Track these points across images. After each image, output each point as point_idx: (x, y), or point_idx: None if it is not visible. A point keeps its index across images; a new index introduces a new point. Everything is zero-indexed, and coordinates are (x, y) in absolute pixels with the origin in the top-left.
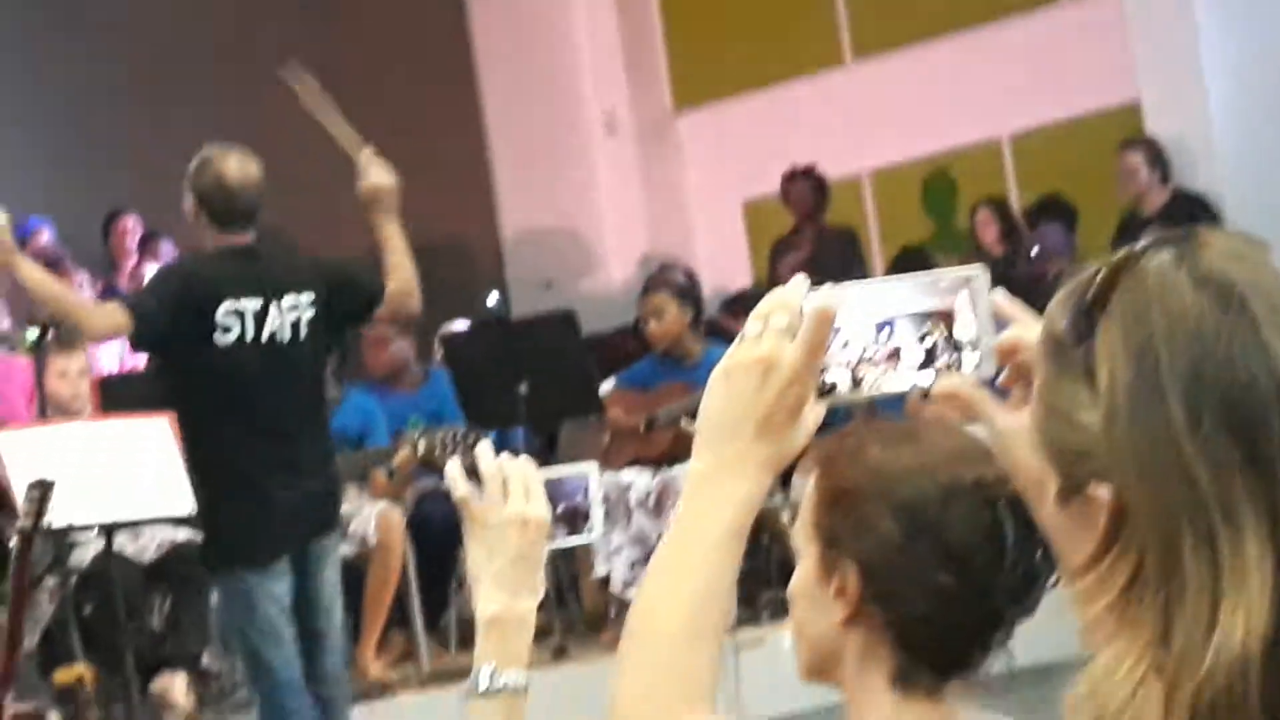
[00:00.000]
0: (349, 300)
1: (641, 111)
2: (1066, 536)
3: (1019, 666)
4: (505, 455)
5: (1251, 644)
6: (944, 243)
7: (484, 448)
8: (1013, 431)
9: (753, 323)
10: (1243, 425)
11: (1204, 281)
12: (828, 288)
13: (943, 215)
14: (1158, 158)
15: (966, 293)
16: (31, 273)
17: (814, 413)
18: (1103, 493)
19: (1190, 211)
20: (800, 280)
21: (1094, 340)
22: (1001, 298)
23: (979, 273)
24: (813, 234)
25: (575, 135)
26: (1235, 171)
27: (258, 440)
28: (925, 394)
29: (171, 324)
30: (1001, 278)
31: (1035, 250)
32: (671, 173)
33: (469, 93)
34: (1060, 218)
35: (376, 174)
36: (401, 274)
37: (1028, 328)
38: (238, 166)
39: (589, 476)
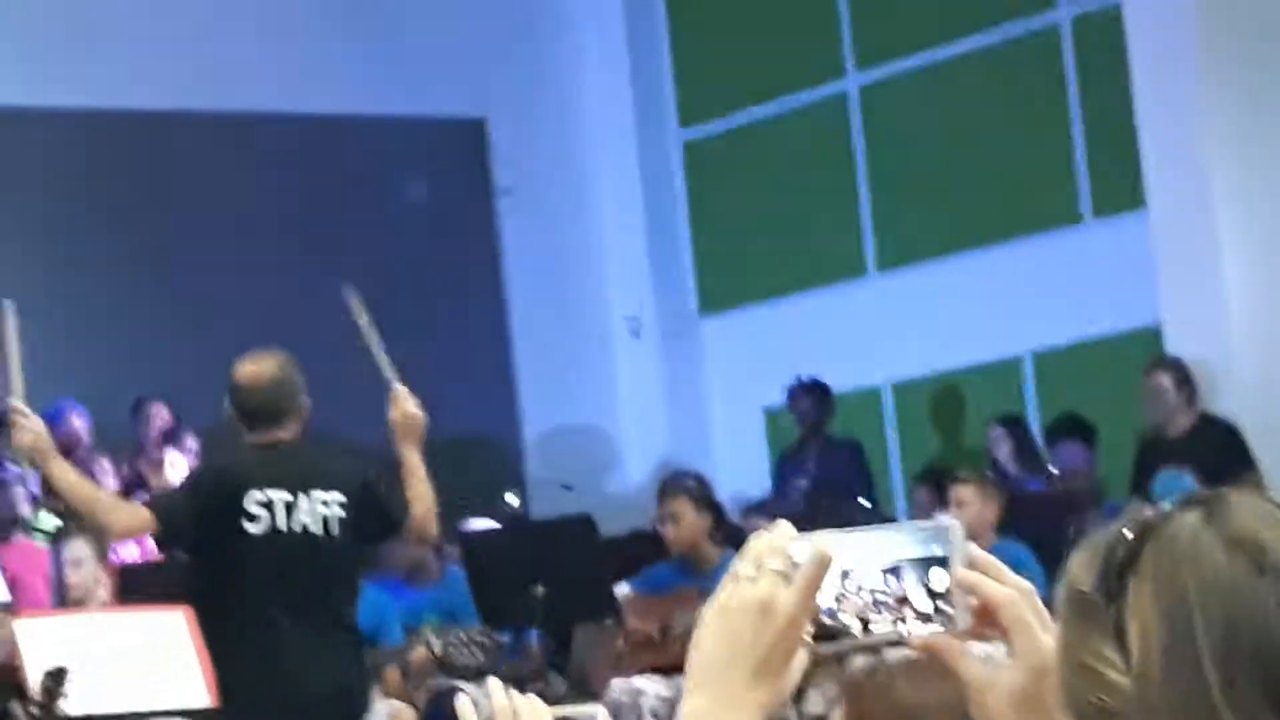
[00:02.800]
0: (373, 522)
1: (665, 315)
2: None
3: None
4: (513, 692)
5: None
6: (959, 459)
7: (494, 684)
8: (984, 683)
9: (744, 564)
10: (1277, 686)
11: (1235, 544)
12: (825, 534)
13: (953, 431)
14: (1185, 379)
15: (941, 544)
16: (65, 475)
17: (804, 656)
18: None
19: (1215, 436)
20: (785, 525)
21: (1124, 600)
22: (975, 549)
23: (954, 524)
24: (817, 447)
25: (598, 337)
26: (1257, 396)
27: (286, 630)
28: (900, 642)
29: (197, 519)
30: (1016, 495)
31: (1054, 469)
32: (693, 377)
33: (494, 291)
34: (1079, 436)
35: (407, 407)
36: (423, 504)
37: (997, 580)
38: (250, 369)
39: (597, 717)
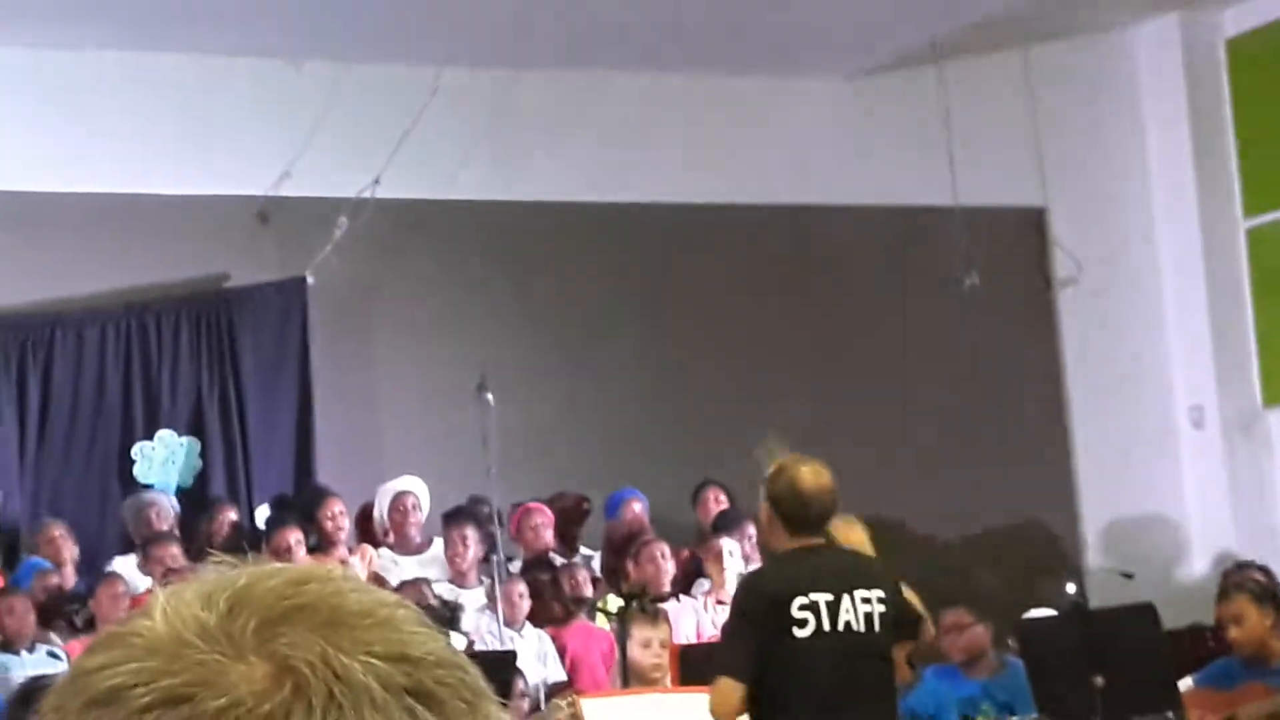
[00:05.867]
0: (901, 618)
1: (1229, 406)
2: None
3: None
4: None
5: None
6: None
7: None
8: None
9: None
10: None
11: None
12: None
13: None
14: None
15: None
16: None
17: None
18: None
19: None
20: None
21: None
22: None
23: None
24: None
25: (1160, 428)
26: None
27: None
28: None
29: (758, 645)
30: None
31: None
32: (1259, 469)
33: (1053, 380)
34: None
35: None
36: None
37: None
38: (812, 475)
39: None
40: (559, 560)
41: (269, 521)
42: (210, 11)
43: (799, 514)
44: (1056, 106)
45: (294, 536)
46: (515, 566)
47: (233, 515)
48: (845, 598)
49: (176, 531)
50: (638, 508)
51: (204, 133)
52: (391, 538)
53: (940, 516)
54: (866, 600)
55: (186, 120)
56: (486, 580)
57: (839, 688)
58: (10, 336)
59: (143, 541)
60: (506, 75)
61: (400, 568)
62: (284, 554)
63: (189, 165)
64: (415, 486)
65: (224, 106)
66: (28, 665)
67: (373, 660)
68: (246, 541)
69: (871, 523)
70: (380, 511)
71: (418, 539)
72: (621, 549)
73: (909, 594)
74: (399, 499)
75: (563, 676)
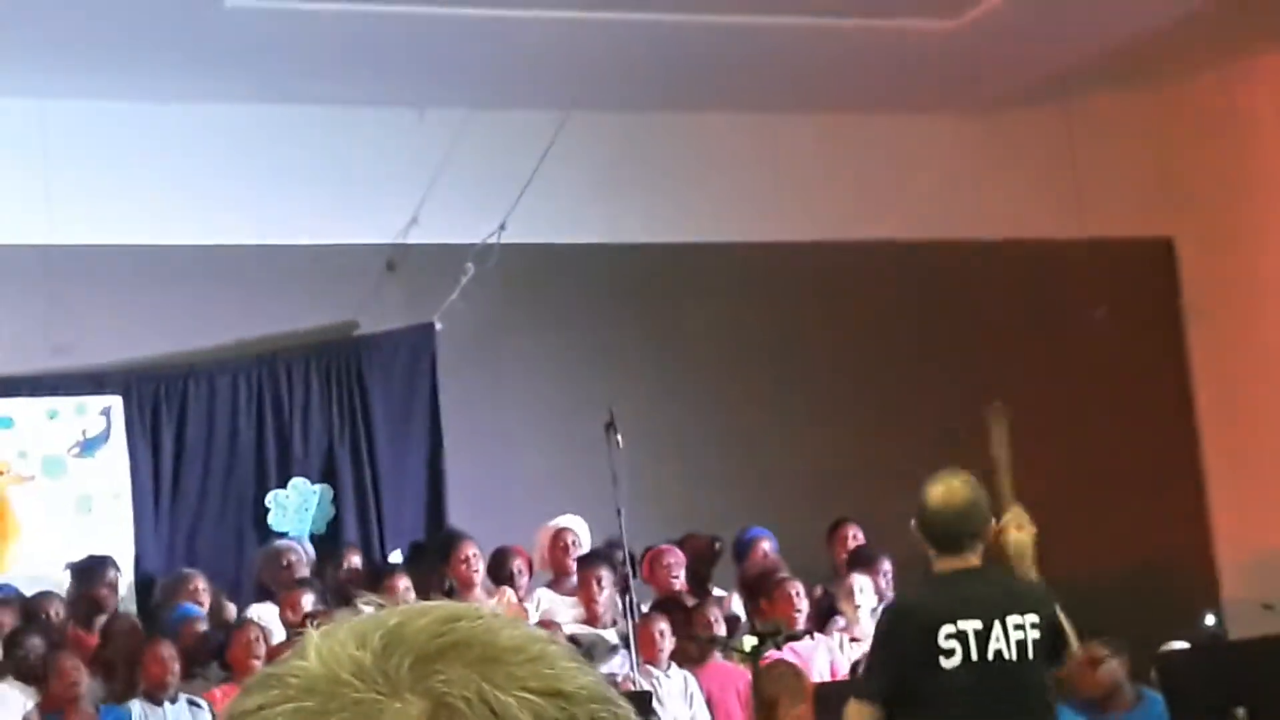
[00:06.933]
0: (1055, 645)
1: None
2: None
3: None
4: None
5: None
6: None
7: None
8: None
9: None
10: None
11: None
12: None
13: None
14: None
15: None
16: None
17: None
18: None
19: None
20: None
21: None
22: None
23: None
24: None
25: None
26: None
27: None
28: None
29: (898, 673)
30: None
31: None
32: None
33: (1184, 411)
34: None
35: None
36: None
37: None
38: (941, 492)
39: None
40: (690, 601)
41: (386, 567)
42: (334, 63)
43: (933, 533)
44: (1180, 133)
45: (402, 583)
46: (646, 608)
47: (357, 559)
48: (996, 625)
49: (313, 579)
50: (767, 546)
51: (331, 182)
52: (551, 575)
53: (1071, 550)
54: (1020, 627)
55: (313, 170)
56: (620, 621)
57: (989, 718)
58: (144, 388)
59: (278, 588)
60: (629, 118)
61: (554, 609)
62: (393, 600)
63: (317, 215)
64: (575, 524)
65: (349, 156)
66: (169, 715)
67: (528, 695)
68: (365, 587)
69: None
70: (540, 550)
71: (574, 580)
72: (756, 588)
73: (1064, 619)
74: (559, 535)
75: (708, 717)
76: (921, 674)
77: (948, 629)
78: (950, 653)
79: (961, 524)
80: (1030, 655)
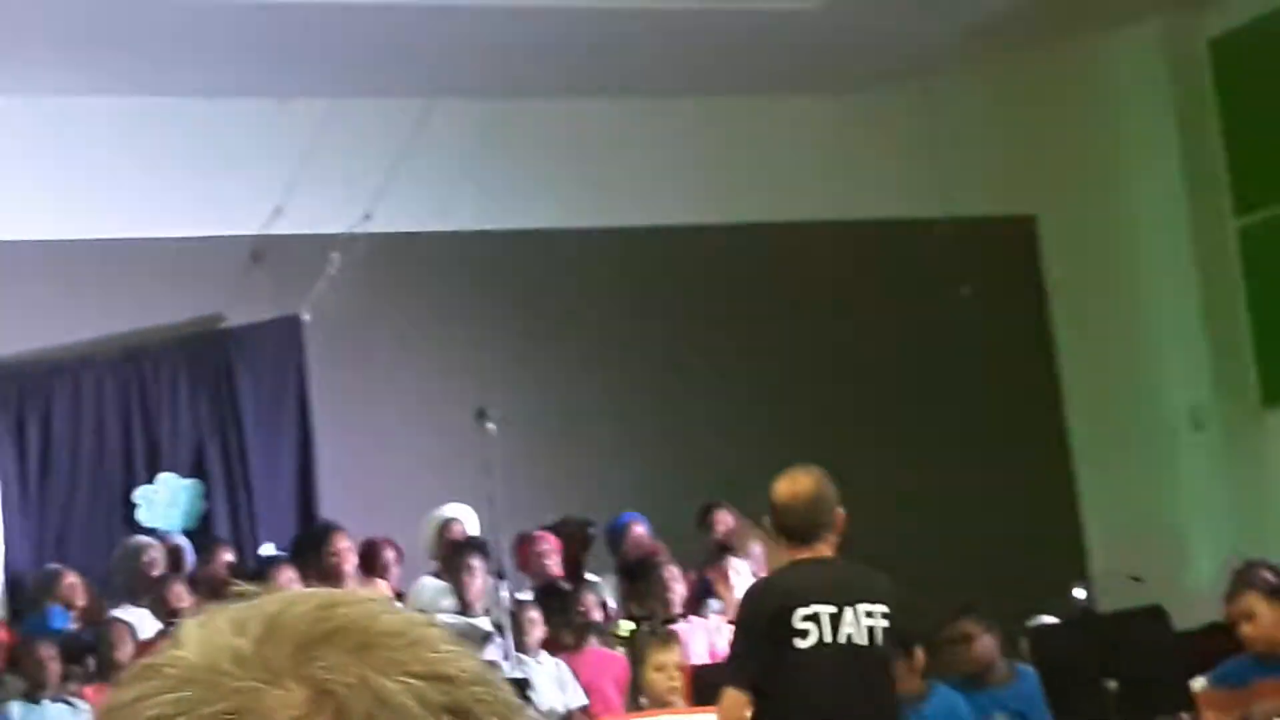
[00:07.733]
0: (900, 636)
1: (1227, 408)
2: None
3: None
4: None
5: None
6: None
7: None
8: None
9: None
10: None
11: None
12: None
13: None
14: None
15: None
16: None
17: None
18: None
19: None
20: None
21: None
22: None
23: None
24: None
25: (1159, 430)
26: None
27: None
28: None
29: (760, 652)
30: None
31: None
32: (1259, 469)
33: (1049, 386)
34: None
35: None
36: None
37: None
38: (788, 486)
39: None
40: (566, 587)
41: (266, 560)
42: (192, 55)
43: (784, 526)
44: (1043, 114)
45: (286, 575)
46: (521, 594)
47: (229, 556)
48: (848, 610)
49: (171, 573)
50: (639, 530)
51: (194, 174)
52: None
53: (940, 526)
54: (870, 614)
55: (174, 163)
56: (493, 609)
57: (840, 699)
58: (7, 386)
59: (138, 586)
60: (494, 105)
61: (436, 598)
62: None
63: (179, 208)
64: (462, 513)
65: (212, 147)
66: (49, 714)
67: (410, 680)
68: (246, 581)
69: (873, 533)
70: (426, 540)
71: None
72: (634, 573)
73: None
74: (447, 526)
75: (584, 702)
76: (778, 654)
77: (803, 611)
78: (805, 633)
79: (811, 516)
80: (879, 641)
